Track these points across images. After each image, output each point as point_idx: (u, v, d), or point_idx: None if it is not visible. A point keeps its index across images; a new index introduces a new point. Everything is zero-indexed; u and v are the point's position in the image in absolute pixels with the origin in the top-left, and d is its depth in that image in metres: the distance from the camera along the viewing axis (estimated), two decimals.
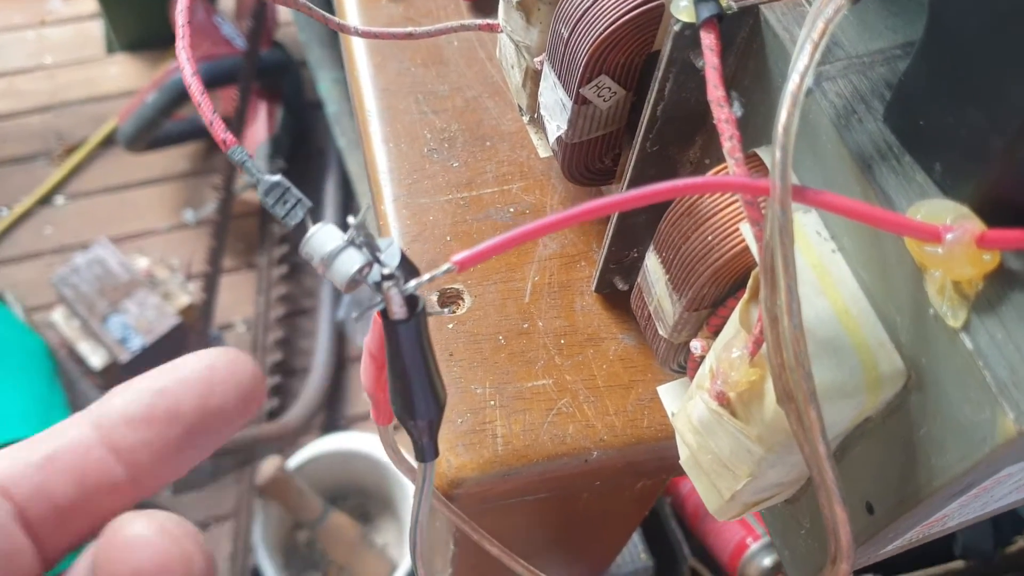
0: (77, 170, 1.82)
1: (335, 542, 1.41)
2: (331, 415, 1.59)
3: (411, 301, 0.30)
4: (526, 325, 0.49)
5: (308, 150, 1.79)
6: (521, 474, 0.46)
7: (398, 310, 0.29)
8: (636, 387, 0.48)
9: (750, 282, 0.35)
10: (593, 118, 0.44)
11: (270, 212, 0.30)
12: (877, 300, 0.33)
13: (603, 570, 0.90)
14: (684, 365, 0.43)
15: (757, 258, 0.34)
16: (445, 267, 0.30)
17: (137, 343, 1.54)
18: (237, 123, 1.69)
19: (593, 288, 0.50)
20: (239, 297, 1.68)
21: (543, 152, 0.50)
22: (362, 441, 1.42)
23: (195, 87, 0.30)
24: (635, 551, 0.94)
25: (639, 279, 0.42)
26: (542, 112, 0.47)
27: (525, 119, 0.50)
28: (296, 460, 1.40)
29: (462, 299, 0.50)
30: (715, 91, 0.32)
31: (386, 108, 0.56)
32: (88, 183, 1.81)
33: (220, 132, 0.30)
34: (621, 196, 0.29)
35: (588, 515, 0.61)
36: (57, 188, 1.78)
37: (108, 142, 1.84)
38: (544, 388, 0.47)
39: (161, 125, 1.72)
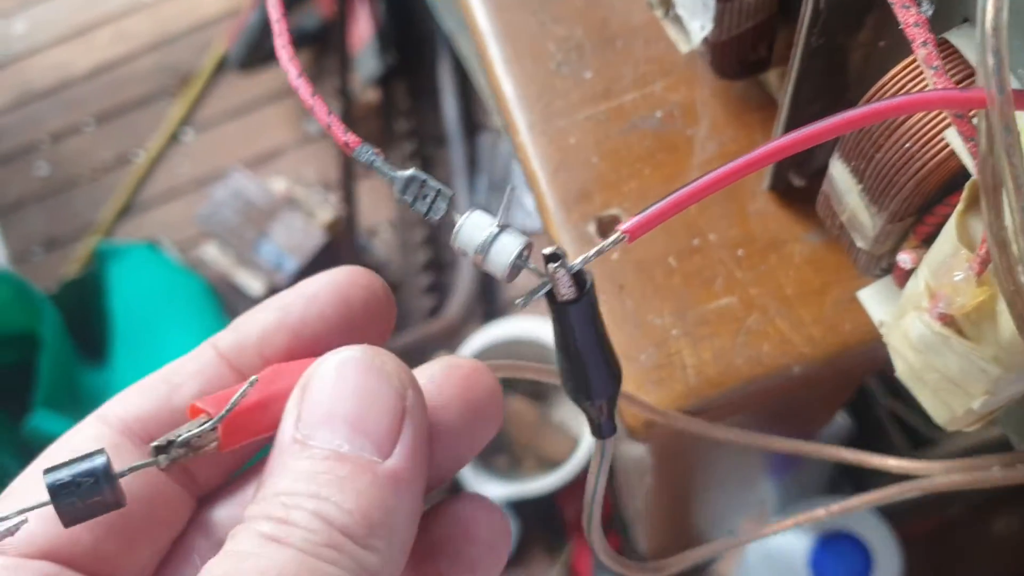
0: (198, 101, 1.83)
1: (516, 425, 1.42)
2: (489, 303, 1.59)
3: (578, 277, 0.27)
4: (696, 241, 0.45)
5: (418, 35, 1.74)
6: (719, 403, 0.43)
7: (566, 291, 0.26)
8: (831, 290, 0.44)
9: (965, 191, 0.30)
10: (741, 11, 0.39)
11: (411, 209, 0.27)
12: None
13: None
14: (888, 270, 0.38)
15: (973, 173, 0.29)
16: (614, 238, 0.26)
17: (292, 265, 1.56)
18: (340, 26, 1.66)
19: (765, 186, 0.46)
20: (379, 200, 1.67)
21: (684, 47, 0.45)
22: (524, 325, 1.42)
23: (304, 90, 0.28)
24: None
25: (824, 186, 0.37)
26: (679, 12, 0.42)
27: (658, 14, 0.45)
28: (464, 353, 1.41)
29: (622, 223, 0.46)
30: None
31: (502, 26, 0.51)
32: (211, 111, 1.82)
33: (340, 135, 0.27)
34: (800, 134, 0.25)
35: (795, 408, 0.58)
36: (183, 122, 1.79)
37: (221, 67, 1.83)
38: (729, 307, 0.44)
39: (270, 39, 1.70)
